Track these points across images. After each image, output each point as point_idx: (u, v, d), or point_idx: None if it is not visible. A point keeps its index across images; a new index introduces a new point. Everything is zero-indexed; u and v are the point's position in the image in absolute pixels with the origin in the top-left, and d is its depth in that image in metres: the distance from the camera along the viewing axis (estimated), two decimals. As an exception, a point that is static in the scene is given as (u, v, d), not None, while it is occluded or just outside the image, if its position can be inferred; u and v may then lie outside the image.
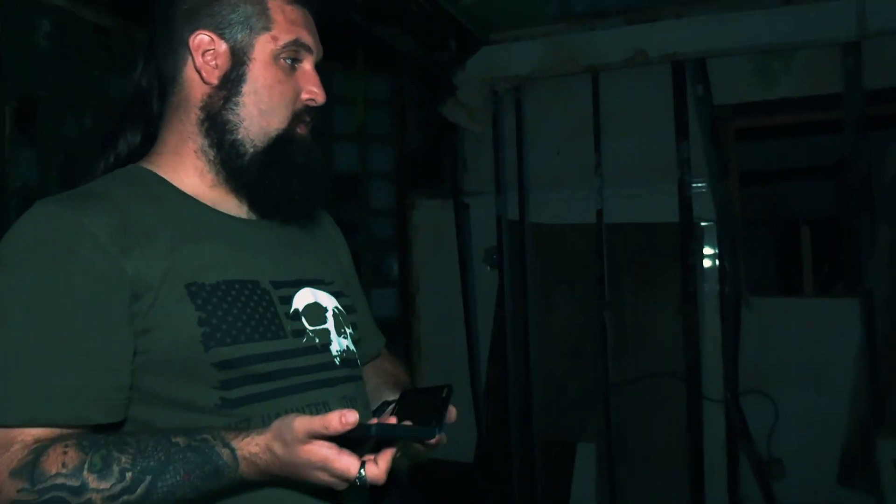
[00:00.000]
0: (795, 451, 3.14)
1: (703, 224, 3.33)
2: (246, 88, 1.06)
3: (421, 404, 1.00)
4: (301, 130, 1.10)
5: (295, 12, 1.09)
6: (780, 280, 5.09)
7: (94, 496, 0.86)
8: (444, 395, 0.97)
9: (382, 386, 1.23)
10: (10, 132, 2.28)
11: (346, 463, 0.85)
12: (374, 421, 0.91)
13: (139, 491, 0.86)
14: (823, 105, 3.23)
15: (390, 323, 3.86)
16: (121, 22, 2.76)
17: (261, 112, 1.06)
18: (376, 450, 0.90)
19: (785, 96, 3.26)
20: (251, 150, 1.06)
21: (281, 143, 1.07)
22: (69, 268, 0.92)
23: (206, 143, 1.07)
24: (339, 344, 1.10)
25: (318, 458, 0.86)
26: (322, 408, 1.02)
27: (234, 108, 1.06)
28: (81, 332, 0.92)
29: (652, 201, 3.36)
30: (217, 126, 1.06)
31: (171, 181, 1.06)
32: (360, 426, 0.85)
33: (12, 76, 2.28)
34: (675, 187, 3.31)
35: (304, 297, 1.09)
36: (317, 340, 1.07)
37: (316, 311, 1.10)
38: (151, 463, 0.87)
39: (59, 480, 0.85)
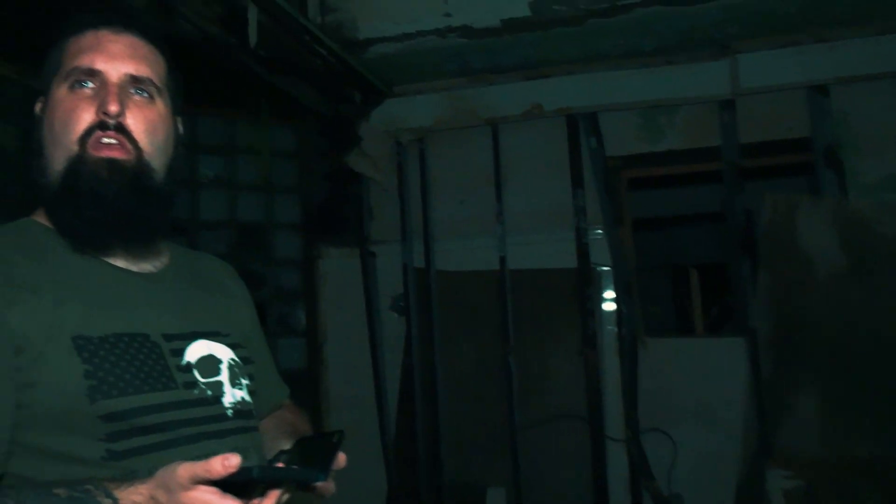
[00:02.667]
0: (693, 486, 3.26)
1: (600, 269, 3.47)
2: (45, 126, 1.08)
3: (313, 451, 1.01)
4: (95, 152, 1.05)
5: (81, 40, 1.10)
6: (678, 322, 5.31)
7: None
8: (335, 440, 0.97)
9: (281, 437, 1.22)
10: None
11: None
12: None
13: None
14: (705, 157, 3.45)
15: (298, 374, 3.82)
16: (13, 68, 2.70)
17: (52, 142, 1.07)
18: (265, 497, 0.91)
19: (670, 148, 3.47)
20: (53, 183, 1.06)
21: (71, 170, 1.05)
22: None
23: None
24: (232, 396, 1.11)
25: (202, 503, 0.86)
26: None
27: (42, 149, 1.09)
28: None
29: (552, 248, 3.48)
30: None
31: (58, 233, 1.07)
32: (243, 469, 0.85)
33: None
34: (572, 234, 3.45)
35: (197, 350, 1.10)
36: (209, 392, 1.07)
37: (209, 363, 1.10)
38: None
39: None
